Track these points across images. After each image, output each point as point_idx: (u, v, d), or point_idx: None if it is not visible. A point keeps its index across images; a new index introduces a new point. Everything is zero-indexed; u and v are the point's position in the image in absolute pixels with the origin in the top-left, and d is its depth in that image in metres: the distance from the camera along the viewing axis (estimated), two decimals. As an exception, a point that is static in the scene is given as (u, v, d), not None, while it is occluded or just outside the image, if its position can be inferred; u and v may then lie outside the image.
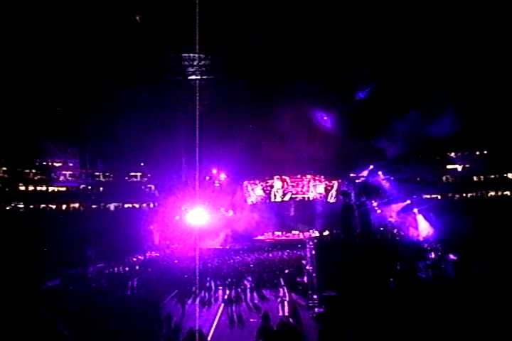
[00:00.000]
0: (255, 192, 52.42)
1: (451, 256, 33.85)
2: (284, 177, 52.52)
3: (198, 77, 41.39)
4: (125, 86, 38.27)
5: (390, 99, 40.46)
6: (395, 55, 35.34)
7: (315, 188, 52.07)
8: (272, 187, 52.54)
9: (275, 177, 52.42)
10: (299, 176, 52.12)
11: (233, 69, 39.64)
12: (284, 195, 52.41)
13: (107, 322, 14.38)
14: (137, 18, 31.64)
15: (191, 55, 38.32)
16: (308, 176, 51.82)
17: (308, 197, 52.28)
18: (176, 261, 35.42)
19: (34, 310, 1.51)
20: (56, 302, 18.57)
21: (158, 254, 42.06)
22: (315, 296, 23.39)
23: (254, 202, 52.02)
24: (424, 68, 35.47)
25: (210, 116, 42.91)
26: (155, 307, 22.52)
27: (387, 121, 40.73)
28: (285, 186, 52.45)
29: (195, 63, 39.81)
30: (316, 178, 51.88)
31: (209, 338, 19.17)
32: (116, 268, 33.81)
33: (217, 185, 53.32)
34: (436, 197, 50.59)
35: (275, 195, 52.53)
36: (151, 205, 52.44)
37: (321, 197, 51.96)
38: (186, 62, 39.96)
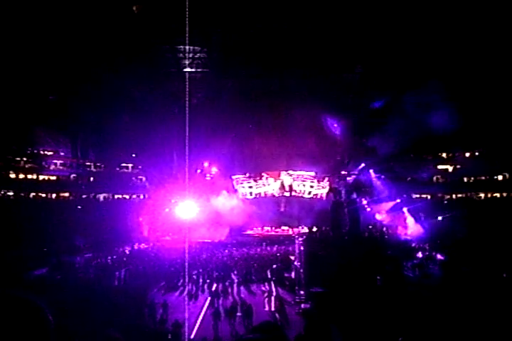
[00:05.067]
0: (245, 187, 52.32)
1: (439, 256, 34.12)
2: (274, 172, 52.39)
3: (193, 70, 41.24)
4: (119, 76, 38.02)
5: (383, 96, 40.59)
6: (390, 51, 35.38)
7: (305, 185, 51.98)
8: (262, 182, 52.43)
9: (266, 172, 52.32)
10: (289, 172, 51.98)
11: (228, 62, 39.56)
12: (274, 190, 52.33)
13: (93, 312, 14.37)
14: (134, 8, 31.45)
15: (187, 47, 38.17)
16: (299, 172, 51.72)
17: (299, 193, 52.20)
18: (164, 254, 35.38)
19: (19, 293, 1.51)
20: (42, 291, 18.48)
21: (146, 246, 42.00)
22: (302, 292, 23.50)
23: (244, 197, 51.96)
24: (419, 66, 35.53)
25: (203, 109, 42.80)
26: (141, 298, 22.53)
27: (380, 119, 40.85)
28: (276, 181, 52.35)
29: (190, 55, 39.67)
30: (307, 175, 51.78)
31: (195, 330, 19.24)
32: (104, 259, 33.74)
33: (209, 178, 53.23)
34: (426, 197, 50.82)
35: (265, 190, 52.45)
36: (141, 197, 52.30)
37: (311, 193, 51.93)
38: (181, 54, 39.80)
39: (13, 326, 1.42)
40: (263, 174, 52.11)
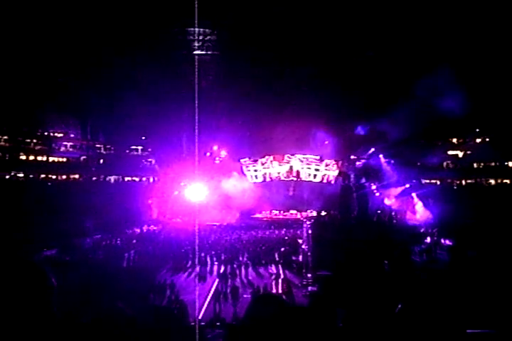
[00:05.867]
0: (251, 170, 52.28)
1: (447, 242, 34.10)
2: (279, 155, 52.24)
3: (203, 52, 40.97)
4: (128, 59, 37.89)
5: (393, 80, 40.15)
6: (400, 35, 34.89)
7: (310, 168, 51.81)
8: (266, 165, 52.36)
9: (275, 156, 52.21)
10: (295, 155, 51.79)
11: (238, 45, 39.22)
12: (280, 173, 52.26)
13: (101, 291, 14.56)
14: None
15: (196, 29, 37.87)
16: (308, 156, 51.54)
17: (305, 178, 52.11)
18: (173, 236, 35.65)
19: (25, 257, 1.59)
20: (51, 271, 18.71)
21: (155, 228, 42.33)
22: (309, 275, 23.66)
23: (253, 180, 52.00)
24: (431, 49, 35.03)
25: (212, 92, 42.63)
26: (150, 279, 22.78)
27: (390, 103, 40.49)
28: (280, 165, 52.22)
29: (200, 38, 39.37)
30: (315, 160, 51.60)
31: (202, 311, 19.48)
32: (113, 240, 34.08)
33: (218, 161, 53.29)
34: (436, 183, 50.61)
35: (269, 172, 52.39)
36: (151, 179, 52.52)
37: (316, 177, 51.78)
38: (191, 37, 39.51)
39: (18, 285, 1.49)
40: (272, 157, 52.00)
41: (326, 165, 51.35)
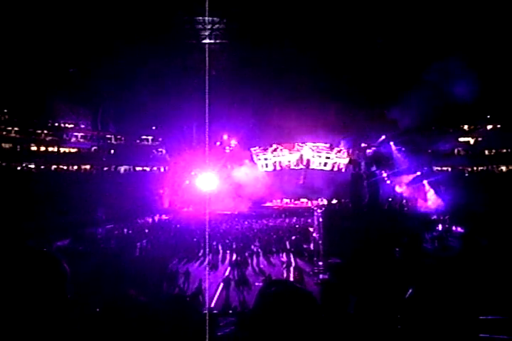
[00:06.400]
0: (261, 159, 52.29)
1: (458, 229, 33.99)
2: (289, 144, 52.17)
3: (212, 41, 40.81)
4: (138, 48, 37.84)
5: (404, 67, 39.77)
6: (411, 20, 34.45)
7: (321, 156, 51.71)
8: (276, 153, 52.33)
9: (281, 144, 52.14)
10: (306, 143, 51.68)
11: (248, 34, 38.99)
12: (291, 162, 52.22)
13: (114, 281, 14.69)
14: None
15: (206, 18, 37.67)
16: (318, 144, 51.42)
17: (316, 167, 52.04)
18: (184, 225, 35.84)
19: (37, 245, 1.62)
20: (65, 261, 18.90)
21: (167, 217, 42.57)
22: (320, 263, 23.74)
23: (263, 169, 52.03)
24: (440, 35, 34.59)
25: (222, 81, 42.49)
26: (162, 268, 22.95)
27: (402, 90, 40.14)
28: (291, 153, 52.17)
29: (209, 27, 39.19)
30: (325, 148, 51.48)
31: (215, 299, 19.63)
32: (125, 230, 34.32)
33: (228, 151, 53.32)
34: (447, 170, 50.29)
35: (279, 161, 52.38)
36: (162, 169, 52.69)
37: (327, 165, 51.67)
38: (200, 26, 39.32)
39: (31, 275, 1.51)
40: (277, 145, 51.93)
41: (337, 152, 51.22)
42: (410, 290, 1.90)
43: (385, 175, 48.18)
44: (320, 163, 51.36)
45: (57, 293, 1.57)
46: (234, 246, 29.41)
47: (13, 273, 1.49)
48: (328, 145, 50.98)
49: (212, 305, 18.58)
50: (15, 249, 1.57)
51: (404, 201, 46.62)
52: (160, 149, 53.61)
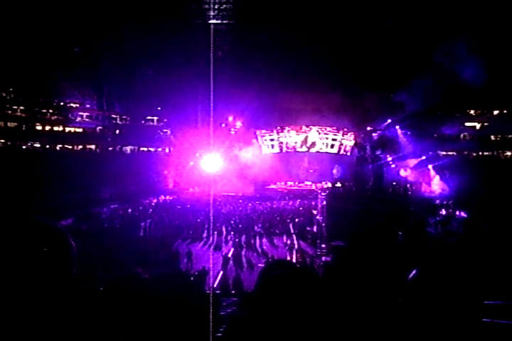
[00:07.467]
0: (267, 140, 52.23)
1: (462, 214, 33.95)
2: (296, 126, 52.05)
3: (218, 21, 40.45)
4: (144, 28, 37.57)
5: (412, 50, 39.38)
6: (418, 2, 34.01)
7: (328, 138, 51.61)
8: (283, 134, 52.26)
9: (290, 127, 52.04)
10: (314, 127, 51.57)
11: (254, 14, 38.60)
12: (296, 143, 52.16)
13: (118, 261, 14.81)
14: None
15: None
16: (324, 128, 51.26)
17: (321, 149, 51.97)
18: (188, 206, 35.96)
19: (44, 219, 1.62)
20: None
21: (171, 198, 42.71)
22: (323, 245, 23.80)
23: (269, 151, 51.99)
24: (448, 18, 34.14)
25: (228, 62, 42.25)
26: (166, 248, 23.10)
27: (408, 74, 39.80)
28: (298, 134, 52.08)
29: (215, 6, 38.80)
30: (332, 130, 51.35)
31: (218, 280, 19.79)
32: (129, 210, 34.47)
33: (233, 132, 53.23)
34: (452, 155, 50.07)
35: (286, 141, 52.32)
36: (167, 150, 52.73)
37: (334, 147, 51.59)
38: (206, 5, 38.93)
39: (38, 249, 1.51)
40: (287, 129, 51.87)
41: (344, 134, 51.15)
42: (414, 271, 1.89)
43: (390, 159, 48.06)
44: (327, 145, 51.30)
45: (63, 265, 1.58)
46: (238, 228, 29.51)
47: (22, 244, 1.49)
48: (334, 128, 50.87)
49: (215, 285, 18.73)
50: (24, 222, 1.58)
51: (408, 185, 46.57)
52: (165, 130, 53.56)
